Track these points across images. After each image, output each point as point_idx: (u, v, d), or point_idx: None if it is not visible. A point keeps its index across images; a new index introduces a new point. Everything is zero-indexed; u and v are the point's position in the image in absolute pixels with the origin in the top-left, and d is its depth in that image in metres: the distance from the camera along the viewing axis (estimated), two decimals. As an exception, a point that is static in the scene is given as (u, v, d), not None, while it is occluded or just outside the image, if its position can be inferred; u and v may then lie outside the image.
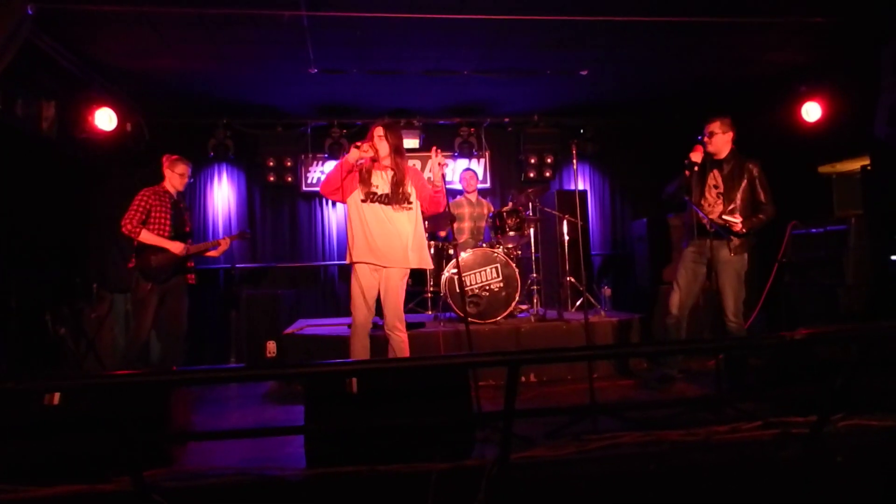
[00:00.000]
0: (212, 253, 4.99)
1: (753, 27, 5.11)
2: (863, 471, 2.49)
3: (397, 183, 3.94)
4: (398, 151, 3.96)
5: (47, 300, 5.44)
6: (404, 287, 4.01)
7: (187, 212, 5.03)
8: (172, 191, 4.83)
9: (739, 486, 2.53)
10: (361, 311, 3.92)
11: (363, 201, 3.95)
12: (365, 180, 3.96)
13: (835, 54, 5.77)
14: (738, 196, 4.34)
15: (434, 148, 4.06)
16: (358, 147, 3.87)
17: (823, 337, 2.86)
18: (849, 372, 2.26)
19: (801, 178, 6.62)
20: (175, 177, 4.82)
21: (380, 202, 3.95)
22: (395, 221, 3.94)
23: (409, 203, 3.99)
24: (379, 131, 3.95)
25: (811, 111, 6.26)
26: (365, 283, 3.91)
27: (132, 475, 2.25)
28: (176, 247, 4.68)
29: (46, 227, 5.86)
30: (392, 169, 3.96)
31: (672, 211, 6.70)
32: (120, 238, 4.69)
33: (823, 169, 6.55)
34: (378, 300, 3.99)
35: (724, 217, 4.28)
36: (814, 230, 5.62)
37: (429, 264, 4.13)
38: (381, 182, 3.97)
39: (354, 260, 3.94)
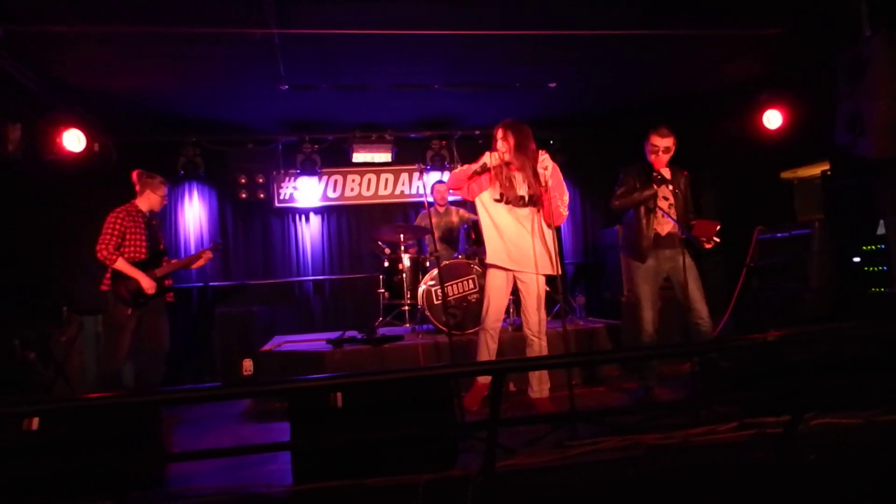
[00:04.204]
0: (196, 265, 4.95)
1: (711, 40, 5.26)
2: (834, 468, 2.58)
3: (525, 184, 3.88)
4: (520, 149, 3.86)
5: (15, 325, 5.31)
6: (541, 293, 3.90)
7: (159, 229, 4.94)
8: (146, 209, 4.72)
9: (716, 487, 2.60)
10: (491, 313, 3.87)
11: (496, 201, 3.90)
12: (500, 181, 3.89)
13: (793, 63, 5.95)
14: (685, 206, 4.44)
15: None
16: (490, 153, 3.83)
17: (794, 338, 2.96)
18: (819, 372, 2.34)
19: (765, 184, 6.82)
20: (156, 198, 4.73)
21: (511, 203, 3.88)
22: (524, 224, 3.86)
23: (535, 205, 3.88)
24: (499, 133, 3.90)
25: (772, 119, 6.41)
26: (495, 285, 3.86)
27: (115, 498, 2.23)
28: (147, 284, 4.53)
29: (13, 250, 5.73)
30: (518, 170, 3.88)
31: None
32: (83, 259, 4.53)
33: (786, 175, 6.73)
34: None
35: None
36: (779, 235, 5.77)
37: (551, 269, 3.89)
38: (513, 183, 3.89)
39: (488, 262, 3.91)
